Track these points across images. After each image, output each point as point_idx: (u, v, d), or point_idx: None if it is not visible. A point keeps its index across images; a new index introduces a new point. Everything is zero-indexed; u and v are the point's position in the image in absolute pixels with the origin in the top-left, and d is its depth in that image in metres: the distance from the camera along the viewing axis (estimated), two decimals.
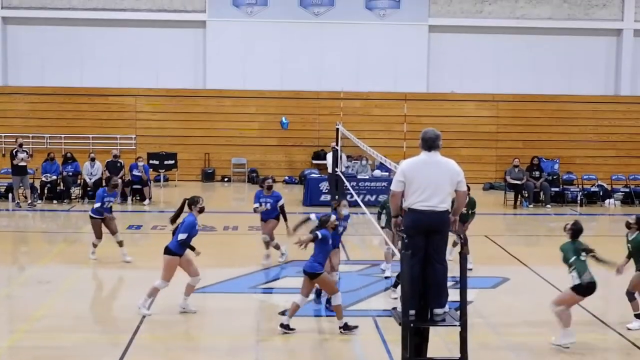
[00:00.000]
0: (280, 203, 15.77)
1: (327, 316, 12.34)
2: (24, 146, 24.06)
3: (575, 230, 11.13)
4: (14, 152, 23.41)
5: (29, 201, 23.17)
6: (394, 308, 9.41)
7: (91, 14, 30.04)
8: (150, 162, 27.55)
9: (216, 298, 13.58)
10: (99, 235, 15.81)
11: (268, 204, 15.68)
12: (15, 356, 10.60)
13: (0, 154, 29.45)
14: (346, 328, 11.45)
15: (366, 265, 16.00)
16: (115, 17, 30.06)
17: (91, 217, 15.87)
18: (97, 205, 15.70)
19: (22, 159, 23.12)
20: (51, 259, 16.37)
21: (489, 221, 22.03)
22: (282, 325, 11.40)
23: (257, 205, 15.68)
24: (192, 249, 12.35)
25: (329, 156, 24.67)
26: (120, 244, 15.89)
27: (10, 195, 24.23)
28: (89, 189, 24.39)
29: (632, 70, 31.13)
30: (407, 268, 8.74)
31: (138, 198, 24.49)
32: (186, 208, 12.47)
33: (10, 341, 11.13)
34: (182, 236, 12.04)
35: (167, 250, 12.12)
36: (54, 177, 24.33)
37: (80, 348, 10.75)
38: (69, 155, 25.46)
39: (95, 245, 15.88)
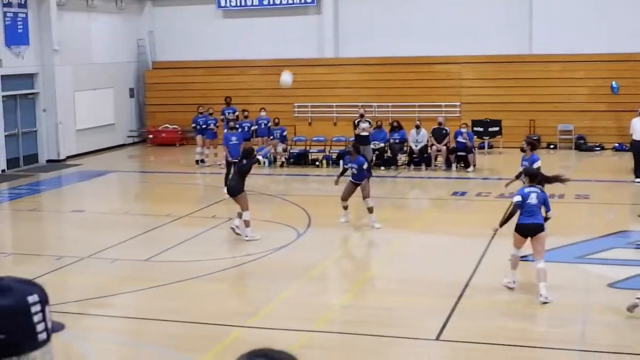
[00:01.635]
0: (365, 166, 16.42)
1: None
2: (365, 116, 24.83)
3: None
4: (356, 122, 24.21)
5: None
6: None
7: None
8: (475, 129, 27.57)
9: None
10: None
11: (353, 169, 16.39)
12: (346, 314, 11.19)
13: (333, 122, 31.00)
14: None
15: None
16: None
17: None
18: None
19: (364, 128, 24.02)
20: (379, 224, 16.99)
21: None
22: None
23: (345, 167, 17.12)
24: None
25: None
26: (370, 210, 16.13)
27: (341, 161, 25.42)
28: (414, 155, 24.97)
29: None
30: None
31: (462, 165, 24.64)
32: None
33: (342, 300, 11.76)
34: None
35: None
36: (382, 145, 25.12)
37: (405, 310, 11.10)
38: (395, 124, 26.17)
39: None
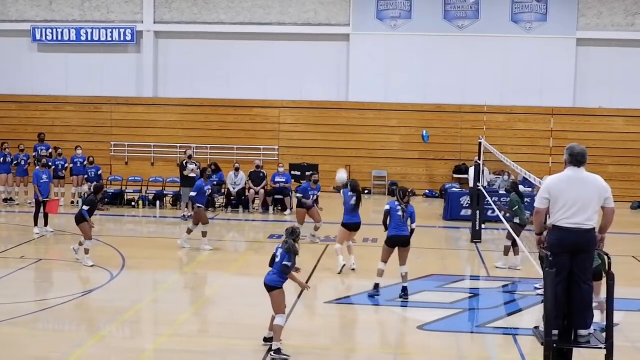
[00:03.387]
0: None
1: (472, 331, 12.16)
2: (192, 157, 24.53)
3: None
4: (183, 163, 23.91)
5: (188, 213, 22.51)
6: (536, 327, 9.17)
7: (238, 28, 30.80)
8: (292, 172, 27.92)
9: (353, 309, 13.61)
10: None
11: (315, 195, 19.39)
12: (160, 359, 10.93)
13: (150, 162, 30.57)
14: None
15: (507, 282, 15.69)
16: (262, 31, 30.71)
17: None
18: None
19: (191, 169, 23.71)
20: (196, 265, 16.80)
21: (636, 241, 21.23)
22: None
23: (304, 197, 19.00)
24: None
25: (471, 170, 24.32)
26: (204, 234, 18.22)
27: (157, 202, 25.12)
28: (232, 197, 25.01)
29: None
30: (551, 286, 8.50)
31: (279, 208, 24.88)
32: None
33: (156, 344, 11.49)
34: None
35: None
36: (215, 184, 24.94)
37: (221, 353, 10.98)
38: (213, 166, 26.10)
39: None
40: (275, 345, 10.60)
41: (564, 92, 29.88)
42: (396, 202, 14.02)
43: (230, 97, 30.78)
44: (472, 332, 12.23)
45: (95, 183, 19.24)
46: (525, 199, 19.87)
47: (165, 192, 25.81)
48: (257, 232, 22.32)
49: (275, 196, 24.98)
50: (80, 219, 16.31)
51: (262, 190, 25.01)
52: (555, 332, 8.56)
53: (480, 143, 21.60)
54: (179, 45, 31.33)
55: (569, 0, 29.88)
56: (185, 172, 23.61)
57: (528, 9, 30.08)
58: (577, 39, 29.83)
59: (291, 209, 24.51)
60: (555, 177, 8.93)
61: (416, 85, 30.29)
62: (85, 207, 16.37)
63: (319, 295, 14.11)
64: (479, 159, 21.39)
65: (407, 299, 13.86)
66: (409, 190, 14.67)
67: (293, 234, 11.16)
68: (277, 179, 25.13)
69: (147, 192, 25.95)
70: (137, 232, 21.95)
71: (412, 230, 14.01)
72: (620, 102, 29.63)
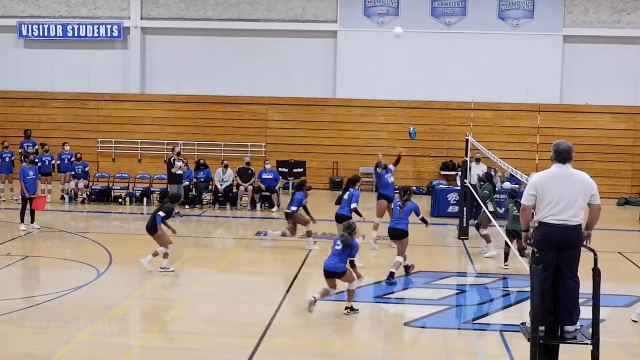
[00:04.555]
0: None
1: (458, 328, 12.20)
2: (181, 154, 24.42)
3: None
4: (171, 160, 23.73)
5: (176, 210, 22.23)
6: (523, 323, 9.20)
7: (226, 24, 30.76)
8: (280, 169, 27.94)
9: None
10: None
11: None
12: (147, 356, 10.91)
13: (137, 158, 30.50)
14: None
15: (494, 279, 15.74)
16: (249, 27, 30.67)
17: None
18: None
19: (179, 167, 23.61)
20: (183, 263, 16.78)
21: (623, 238, 21.33)
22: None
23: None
24: None
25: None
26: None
27: (145, 199, 25.09)
28: (220, 195, 24.99)
29: None
30: (538, 283, 8.53)
31: (267, 205, 24.87)
32: None
33: (143, 341, 11.47)
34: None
35: None
36: (187, 183, 24.92)
37: (207, 350, 10.97)
38: (201, 161, 26.06)
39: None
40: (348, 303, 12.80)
41: (551, 89, 30.00)
42: (397, 200, 15.77)
43: (218, 94, 30.74)
44: (459, 329, 12.25)
45: (173, 193, 19.27)
46: (501, 196, 20.18)
47: (152, 189, 25.75)
48: (245, 229, 22.30)
49: (263, 193, 24.97)
50: (154, 227, 15.66)
51: (250, 187, 24.99)
52: (542, 328, 8.59)
53: (467, 140, 21.61)
54: (166, 41, 31.26)
55: None
56: (172, 170, 23.53)
57: (515, 6, 30.16)
58: (564, 36, 29.94)
59: (279, 205, 24.51)
60: (541, 174, 8.96)
61: (404, 82, 30.32)
62: (161, 214, 15.77)
63: (308, 292, 14.09)
64: (466, 155, 21.42)
65: (390, 282, 14.88)
66: (409, 190, 15.82)
67: (349, 228, 12.87)
68: (264, 176, 25.13)
69: (135, 189, 25.88)
70: (124, 229, 21.90)
71: (422, 220, 16.01)
72: (607, 99, 29.76)
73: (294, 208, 18.14)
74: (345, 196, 16.91)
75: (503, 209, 18.50)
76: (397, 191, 16.26)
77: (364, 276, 14.17)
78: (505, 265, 16.60)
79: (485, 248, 17.98)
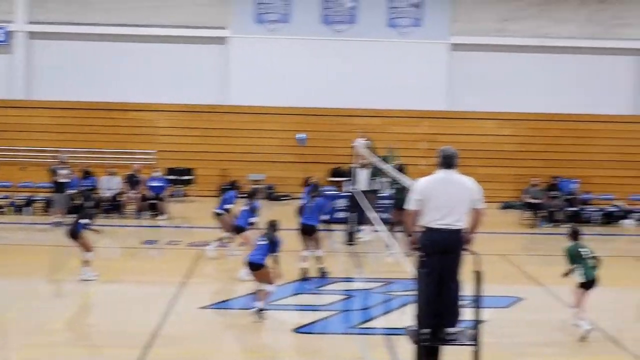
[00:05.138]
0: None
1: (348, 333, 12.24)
2: (66, 162, 23.78)
3: (574, 232, 12.22)
4: (54, 168, 23.15)
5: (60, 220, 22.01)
6: (408, 326, 9.29)
7: (115, 30, 30.22)
8: (169, 177, 27.60)
9: (227, 314, 13.52)
10: None
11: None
12: None
13: (21, 166, 29.59)
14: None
15: (381, 283, 15.86)
16: (139, 33, 30.21)
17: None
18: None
19: (64, 175, 22.99)
20: (68, 273, 16.33)
21: (505, 240, 21.87)
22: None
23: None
24: None
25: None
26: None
27: (29, 208, 24.39)
28: (105, 203, 24.45)
29: None
30: (423, 286, 8.64)
31: (154, 213, 24.49)
32: None
33: (23, 354, 11.10)
34: None
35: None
36: (72, 191, 24.31)
37: None
38: (87, 170, 25.52)
39: None
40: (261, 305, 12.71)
41: (439, 96, 30.55)
42: (306, 196, 17.20)
43: (107, 100, 30.14)
44: (346, 334, 12.28)
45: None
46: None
47: (35, 198, 25.04)
48: (132, 238, 21.90)
49: (150, 201, 24.59)
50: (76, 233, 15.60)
51: (136, 195, 24.58)
52: (426, 331, 8.69)
53: (354, 146, 21.78)
54: (54, 46, 30.49)
55: (444, 6, 30.61)
56: (56, 178, 22.91)
57: (404, 14, 30.62)
58: (451, 44, 30.56)
59: (166, 213, 24.20)
60: (426, 179, 9.09)
61: (295, 89, 30.36)
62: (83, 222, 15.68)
63: (194, 301, 13.93)
64: (355, 161, 21.55)
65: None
66: (320, 186, 18.07)
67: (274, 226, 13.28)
68: (152, 183, 24.77)
69: (17, 197, 25.12)
70: (6, 240, 21.19)
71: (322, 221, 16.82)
72: (492, 106, 30.50)
73: (226, 207, 17.85)
74: (311, 205, 16.58)
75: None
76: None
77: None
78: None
79: (362, 233, 19.79)
